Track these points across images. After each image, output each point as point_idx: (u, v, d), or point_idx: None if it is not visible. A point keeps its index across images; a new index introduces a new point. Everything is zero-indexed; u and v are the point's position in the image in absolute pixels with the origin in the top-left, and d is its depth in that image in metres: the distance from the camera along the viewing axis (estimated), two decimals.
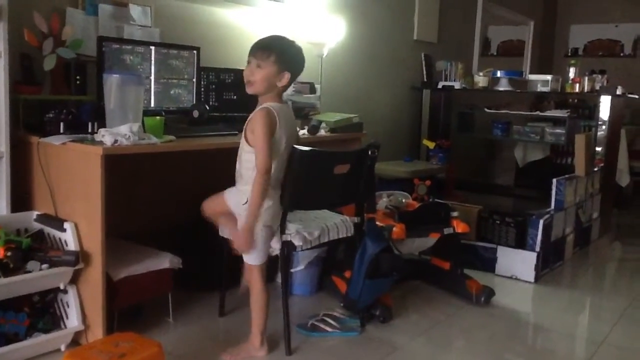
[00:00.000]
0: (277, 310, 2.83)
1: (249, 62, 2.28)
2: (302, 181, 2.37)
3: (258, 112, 2.25)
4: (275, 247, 2.42)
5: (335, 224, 2.63)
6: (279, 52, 2.25)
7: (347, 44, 4.31)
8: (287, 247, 2.43)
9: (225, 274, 2.73)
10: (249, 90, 2.30)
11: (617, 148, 5.09)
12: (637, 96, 5.50)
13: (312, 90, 3.66)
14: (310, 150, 2.37)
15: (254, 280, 2.38)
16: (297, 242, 2.42)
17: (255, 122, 2.22)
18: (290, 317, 2.48)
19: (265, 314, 2.40)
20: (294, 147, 2.32)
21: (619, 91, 4.75)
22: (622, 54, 7.52)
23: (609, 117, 4.54)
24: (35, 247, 2.32)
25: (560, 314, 3.11)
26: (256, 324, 2.40)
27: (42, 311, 2.35)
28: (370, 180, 2.73)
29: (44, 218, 2.44)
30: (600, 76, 4.96)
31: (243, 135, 2.29)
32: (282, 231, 2.40)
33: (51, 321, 2.36)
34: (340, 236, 2.63)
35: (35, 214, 2.48)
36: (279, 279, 3.20)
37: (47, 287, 2.31)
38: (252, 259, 2.34)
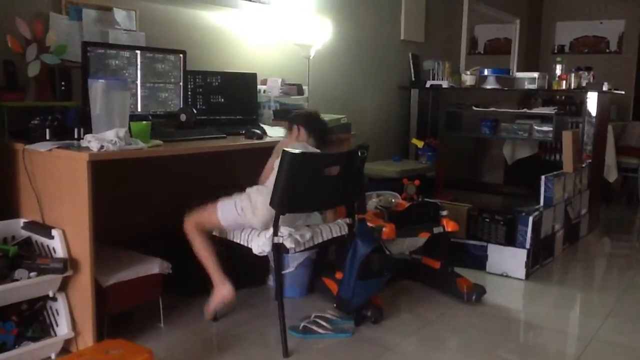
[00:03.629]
0: (270, 312, 2.83)
1: None
2: (292, 184, 2.36)
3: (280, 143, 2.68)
4: (266, 249, 2.41)
5: (327, 225, 2.62)
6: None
7: (334, 45, 4.31)
8: (279, 249, 2.42)
9: None
10: None
11: (605, 144, 5.13)
12: (623, 92, 5.54)
13: (300, 91, 3.65)
14: (300, 153, 2.37)
15: (191, 227, 2.54)
16: (289, 244, 2.41)
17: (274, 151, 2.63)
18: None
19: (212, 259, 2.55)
20: (284, 150, 2.33)
21: (605, 87, 4.78)
22: (607, 51, 7.58)
23: (596, 113, 4.57)
24: (23, 255, 2.31)
25: (551, 310, 3.12)
26: (210, 269, 2.56)
27: (31, 319, 2.33)
28: (360, 181, 2.73)
29: (31, 225, 2.42)
30: (586, 73, 4.98)
31: None
32: (275, 233, 2.39)
33: (40, 329, 2.34)
34: (334, 236, 2.63)
35: (22, 221, 2.46)
36: (270, 282, 3.21)
37: (36, 295, 2.29)
38: (222, 208, 2.52)
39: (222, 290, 2.55)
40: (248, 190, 2.56)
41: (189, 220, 2.55)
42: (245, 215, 2.48)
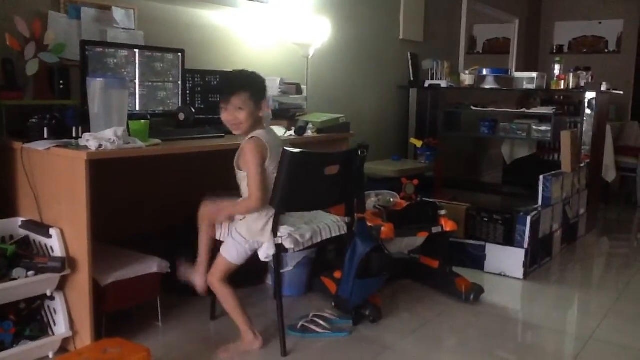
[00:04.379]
0: (269, 311, 2.83)
1: (224, 109, 2.37)
2: (292, 183, 2.36)
3: (248, 144, 2.34)
4: (270, 253, 2.41)
5: (326, 224, 2.62)
6: (251, 88, 2.38)
7: (333, 45, 4.31)
8: (279, 249, 2.42)
9: None
10: (238, 132, 2.41)
11: (603, 144, 5.13)
12: (621, 92, 5.55)
13: (299, 91, 3.66)
14: (300, 152, 2.36)
15: (216, 282, 2.43)
16: (288, 244, 2.41)
17: (247, 154, 2.33)
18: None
19: (240, 310, 2.45)
20: (284, 149, 2.32)
21: (603, 87, 4.78)
22: (606, 51, 7.59)
23: (594, 113, 4.57)
24: (21, 254, 2.30)
25: (549, 310, 3.12)
26: (239, 322, 2.47)
27: (29, 318, 2.33)
28: (359, 181, 2.73)
29: (29, 224, 2.42)
30: (585, 73, 4.99)
31: (235, 165, 2.42)
32: (274, 234, 2.39)
33: (38, 328, 2.33)
34: (333, 235, 2.63)
35: (20, 220, 2.46)
36: (269, 281, 3.21)
37: (34, 294, 2.28)
38: (229, 253, 2.41)
39: (254, 344, 2.45)
40: (240, 220, 2.43)
41: (211, 278, 2.44)
42: (256, 240, 2.41)
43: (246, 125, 2.37)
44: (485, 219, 3.64)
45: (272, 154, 2.35)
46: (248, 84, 2.38)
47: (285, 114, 3.34)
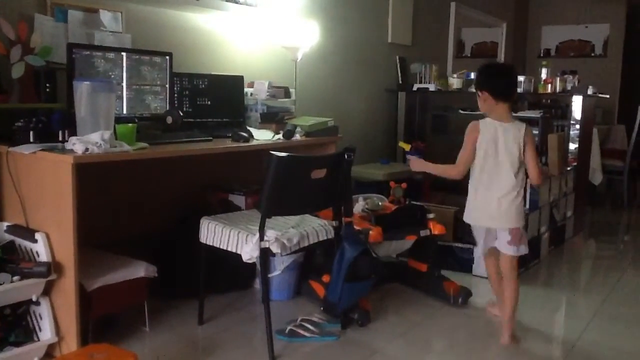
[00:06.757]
0: (256, 316, 2.83)
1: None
2: (279, 187, 2.36)
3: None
4: (254, 255, 2.40)
5: (314, 228, 2.62)
6: (476, 79, 2.83)
7: (322, 48, 4.31)
8: (265, 253, 2.41)
9: (202, 280, 2.71)
10: None
11: (590, 147, 5.17)
12: (607, 96, 5.59)
13: (287, 94, 3.65)
14: (287, 156, 2.36)
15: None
16: (275, 249, 2.40)
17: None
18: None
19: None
20: (270, 153, 2.32)
21: (590, 91, 4.82)
22: (592, 54, 7.65)
23: (581, 116, 4.60)
24: (6, 259, 2.28)
25: (536, 312, 3.13)
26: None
27: (14, 324, 2.30)
28: (346, 184, 2.73)
29: (14, 229, 2.40)
30: (571, 76, 5.03)
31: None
32: (261, 238, 2.38)
33: (23, 334, 2.31)
34: (320, 239, 2.62)
35: (5, 225, 2.43)
36: (256, 285, 3.20)
37: (19, 299, 2.26)
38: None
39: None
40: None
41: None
42: None
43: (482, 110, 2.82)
44: None
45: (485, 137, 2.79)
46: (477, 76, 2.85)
47: (274, 118, 3.34)
